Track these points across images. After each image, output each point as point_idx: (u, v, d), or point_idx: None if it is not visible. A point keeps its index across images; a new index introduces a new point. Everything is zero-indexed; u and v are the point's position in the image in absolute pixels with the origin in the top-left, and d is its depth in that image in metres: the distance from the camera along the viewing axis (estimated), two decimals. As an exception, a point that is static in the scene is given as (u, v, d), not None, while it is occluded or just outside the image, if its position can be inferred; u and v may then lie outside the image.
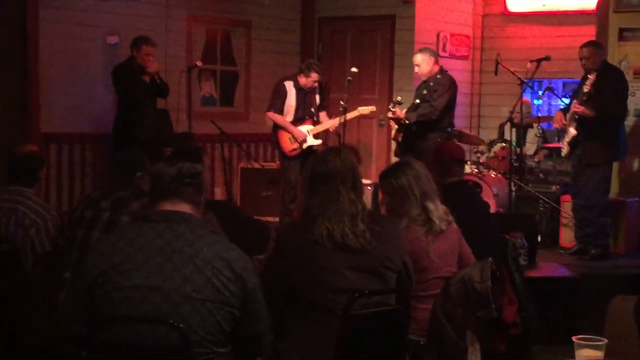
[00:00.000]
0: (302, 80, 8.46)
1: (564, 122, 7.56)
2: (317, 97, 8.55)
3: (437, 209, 4.15)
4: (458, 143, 9.09)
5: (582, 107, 7.27)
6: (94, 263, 2.97)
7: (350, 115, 8.56)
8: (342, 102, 8.20)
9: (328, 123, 8.54)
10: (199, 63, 8.81)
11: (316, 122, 8.54)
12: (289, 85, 8.52)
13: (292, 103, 8.52)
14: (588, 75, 7.37)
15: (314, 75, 8.39)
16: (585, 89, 7.31)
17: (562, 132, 7.88)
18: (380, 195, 4.42)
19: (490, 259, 4.01)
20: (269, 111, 8.62)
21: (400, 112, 8.14)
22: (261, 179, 9.26)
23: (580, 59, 7.46)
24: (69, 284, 3.92)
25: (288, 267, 3.54)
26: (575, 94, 7.73)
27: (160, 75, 8.04)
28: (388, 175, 4.25)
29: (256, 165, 9.40)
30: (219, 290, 2.91)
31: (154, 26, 9.02)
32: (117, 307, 2.89)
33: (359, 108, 8.61)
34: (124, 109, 7.90)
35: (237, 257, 3.00)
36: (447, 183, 4.85)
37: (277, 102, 8.54)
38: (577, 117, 7.39)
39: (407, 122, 8.08)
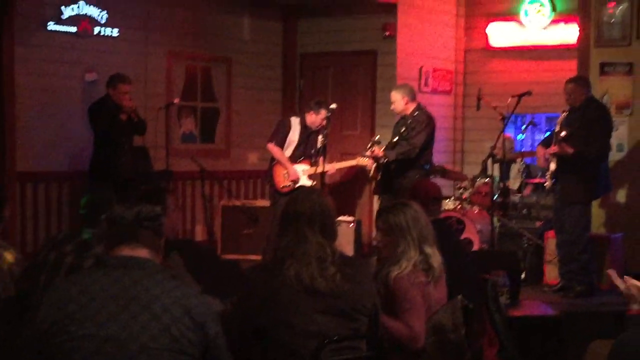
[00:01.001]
0: (311, 117, 8.35)
1: (547, 156, 7.48)
2: (320, 139, 8.41)
3: (435, 255, 4.05)
4: (440, 179, 9.04)
5: (557, 148, 7.20)
6: (46, 312, 2.84)
7: (347, 163, 8.57)
8: (320, 138, 8.09)
9: (325, 168, 8.43)
10: (176, 100, 8.73)
11: (313, 164, 8.43)
12: (295, 121, 8.46)
13: (294, 139, 8.45)
14: (562, 112, 7.35)
15: (323, 113, 8.26)
16: (557, 128, 7.27)
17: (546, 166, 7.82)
18: (374, 234, 4.30)
19: (461, 296, 3.90)
20: (270, 142, 8.52)
21: (379, 150, 8.06)
22: (242, 216, 9.16)
23: (566, 93, 7.42)
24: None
25: (256, 310, 3.42)
26: (557, 130, 7.68)
27: (137, 113, 7.93)
28: (386, 212, 4.16)
29: (237, 203, 9.29)
30: (177, 340, 2.79)
31: (133, 63, 8.95)
32: (69, 358, 2.75)
33: (359, 158, 8.47)
34: (100, 147, 7.79)
35: (197, 304, 2.88)
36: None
37: (280, 135, 8.48)
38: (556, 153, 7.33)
39: (385, 160, 7.98)
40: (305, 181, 8.44)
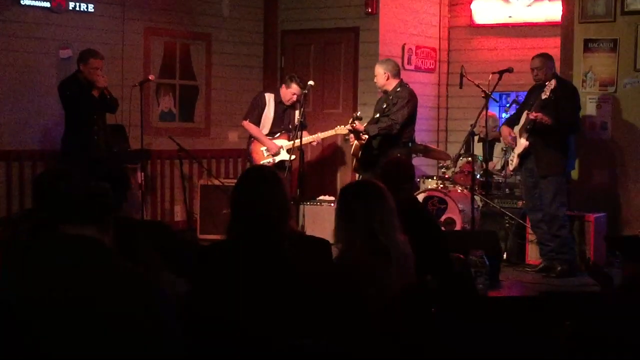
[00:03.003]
0: (282, 91, 8.40)
1: (512, 134, 7.43)
2: (297, 114, 8.31)
3: (393, 238, 3.78)
4: (423, 158, 8.92)
5: (541, 114, 7.09)
6: None
7: (325, 134, 8.52)
8: (298, 117, 7.98)
9: (303, 140, 8.35)
10: (151, 77, 8.55)
11: (291, 138, 8.35)
12: (269, 97, 8.47)
13: (269, 115, 8.44)
14: (546, 83, 7.20)
15: (294, 87, 8.29)
16: (544, 95, 7.14)
17: (509, 145, 7.76)
18: None
19: (430, 276, 3.77)
20: (245, 120, 8.56)
21: (360, 125, 7.96)
22: (222, 196, 8.98)
23: (532, 69, 7.37)
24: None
25: (209, 293, 3.29)
26: (523, 106, 7.60)
27: (109, 90, 7.74)
28: (343, 194, 3.86)
29: (216, 182, 9.14)
30: (122, 321, 2.66)
31: (110, 40, 8.78)
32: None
33: (337, 127, 8.41)
34: (72, 126, 7.59)
35: (145, 283, 2.75)
36: (395, 200, 4.59)
37: (255, 112, 8.50)
38: (528, 127, 7.23)
39: (367, 135, 7.87)
40: (284, 155, 8.43)
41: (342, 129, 8.36)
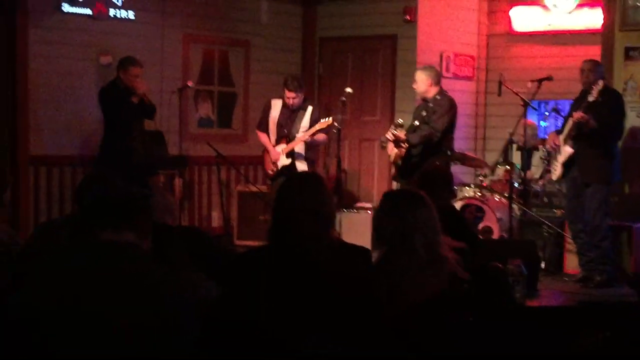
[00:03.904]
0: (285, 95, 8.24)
1: (557, 143, 7.35)
2: (306, 120, 8.21)
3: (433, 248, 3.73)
4: (460, 166, 8.88)
5: (585, 115, 7.01)
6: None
7: (314, 128, 8.14)
8: (336, 124, 7.95)
9: (295, 141, 8.20)
10: (189, 83, 8.62)
11: (289, 141, 8.29)
12: (275, 101, 8.35)
13: (274, 116, 8.31)
14: (592, 86, 7.11)
15: (287, 92, 8.12)
16: (591, 98, 7.05)
17: (553, 154, 7.67)
18: None
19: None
20: (257, 128, 8.55)
21: (401, 133, 7.91)
22: (259, 202, 9.05)
23: (582, 70, 7.28)
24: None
25: (241, 301, 3.29)
26: (569, 116, 7.51)
27: (147, 97, 7.80)
28: (385, 199, 3.85)
29: (253, 189, 9.18)
30: (154, 325, 2.68)
31: (149, 46, 8.85)
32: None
33: (322, 119, 8.17)
34: (111, 131, 7.68)
35: (180, 289, 2.79)
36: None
37: (263, 119, 8.43)
38: (573, 133, 7.16)
39: (408, 143, 7.83)
40: (284, 161, 8.27)
41: (322, 123, 8.07)
